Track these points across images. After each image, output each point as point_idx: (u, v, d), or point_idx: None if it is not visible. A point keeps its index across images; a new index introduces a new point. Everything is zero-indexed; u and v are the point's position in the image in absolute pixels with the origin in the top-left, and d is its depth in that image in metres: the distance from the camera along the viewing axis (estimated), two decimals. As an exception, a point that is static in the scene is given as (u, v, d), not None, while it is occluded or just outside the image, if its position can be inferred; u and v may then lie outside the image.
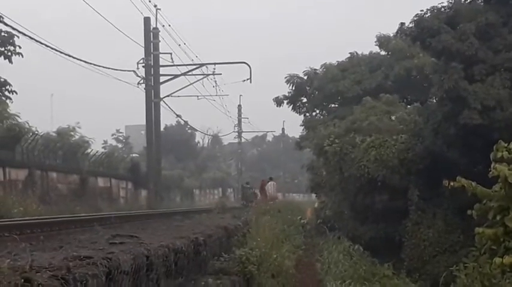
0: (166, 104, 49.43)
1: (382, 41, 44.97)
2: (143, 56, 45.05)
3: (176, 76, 48.18)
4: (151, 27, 45.74)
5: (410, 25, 27.53)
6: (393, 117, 33.89)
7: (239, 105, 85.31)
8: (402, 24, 28.22)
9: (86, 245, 7.66)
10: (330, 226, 35.37)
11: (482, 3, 28.25)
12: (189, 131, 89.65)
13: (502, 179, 12.41)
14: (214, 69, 49.19)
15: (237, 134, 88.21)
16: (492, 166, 12.81)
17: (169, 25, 48.66)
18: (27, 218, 19.07)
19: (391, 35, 41.87)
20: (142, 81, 44.56)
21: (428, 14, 27.31)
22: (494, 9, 26.72)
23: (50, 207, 27.45)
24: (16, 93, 38.37)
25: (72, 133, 42.90)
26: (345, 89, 43.44)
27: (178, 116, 58.89)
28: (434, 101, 30.27)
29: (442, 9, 27.59)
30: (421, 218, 28.42)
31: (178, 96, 50.24)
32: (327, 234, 33.71)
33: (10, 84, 38.28)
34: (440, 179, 15.26)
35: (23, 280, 4.57)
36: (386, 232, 29.99)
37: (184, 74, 48.44)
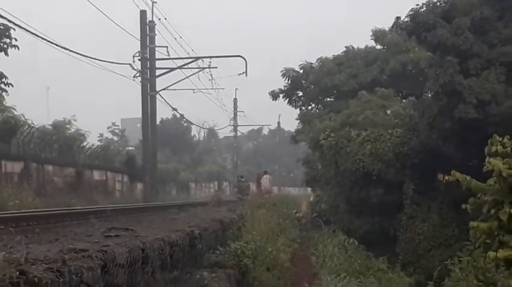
0: (162, 98, 49.47)
1: (377, 35, 44.97)
2: (139, 49, 44.99)
3: (172, 69, 48.13)
4: (148, 21, 45.69)
5: (406, 19, 27.56)
6: (388, 112, 33.95)
7: (235, 99, 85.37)
8: (398, 18, 28.27)
9: (81, 238, 7.68)
10: (325, 220, 35.42)
11: (477, -2, 28.29)
12: (185, 124, 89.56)
13: (497, 173, 12.45)
14: (210, 62, 49.13)
15: (232, 127, 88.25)
16: (487, 160, 12.84)
17: (166, 18, 48.55)
18: (22, 210, 19.08)
19: (387, 29, 41.90)
20: (138, 75, 44.47)
21: (424, 9, 27.36)
22: (489, 4, 26.76)
23: (45, 200, 27.47)
24: (12, 85, 38.30)
25: (68, 126, 42.91)
26: (340, 83, 43.46)
27: (174, 109, 58.94)
28: (430, 95, 30.29)
29: (438, 3, 27.64)
30: (416, 212, 28.50)
31: (174, 89, 50.26)
32: (322, 227, 33.78)
33: (6, 77, 38.21)
34: (435, 173, 15.31)
35: (18, 273, 4.58)
36: (382, 226, 30.09)
37: (180, 67, 48.40)
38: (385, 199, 29.56)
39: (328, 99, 47.05)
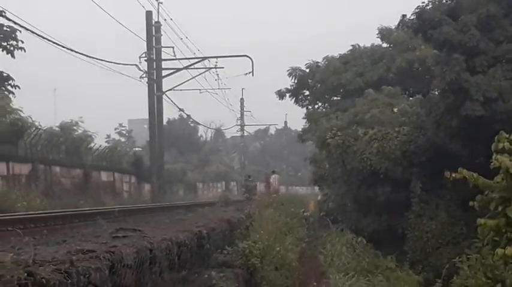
0: (169, 98, 49.55)
1: (383, 33, 44.92)
2: (145, 50, 45.05)
3: (178, 70, 48.18)
4: (153, 21, 45.75)
5: (412, 17, 27.51)
6: (395, 110, 33.88)
7: (241, 99, 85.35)
8: (404, 16, 28.22)
9: (89, 239, 7.71)
10: (333, 219, 35.39)
11: (483, -5, 28.22)
12: (192, 124, 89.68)
13: (504, 170, 12.40)
14: (216, 62, 49.23)
15: (239, 127, 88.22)
16: (494, 157, 12.80)
17: (171, 19, 48.76)
18: (30, 212, 19.14)
19: (393, 27, 41.82)
20: (144, 75, 44.56)
21: (430, 6, 27.30)
22: (495, 1, 26.67)
23: (53, 201, 27.54)
24: (19, 87, 38.49)
25: (75, 128, 42.94)
26: (347, 82, 43.43)
27: (180, 109, 58.98)
28: (437, 93, 30.25)
29: (444, 0, 27.59)
30: (424, 210, 28.45)
31: (181, 90, 50.33)
32: (330, 226, 33.76)
33: (13, 79, 38.38)
34: (442, 171, 15.24)
35: (26, 274, 4.61)
36: (389, 224, 30.02)
37: (187, 67, 48.46)
38: (392, 197, 29.48)
39: (335, 98, 47.02)
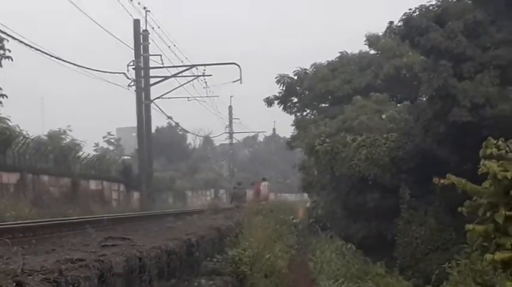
0: (157, 106, 49.49)
1: (371, 40, 45.04)
2: (133, 58, 44.97)
3: (166, 78, 48.06)
4: (141, 30, 45.69)
5: (399, 24, 27.63)
6: (383, 116, 33.98)
7: (230, 107, 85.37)
8: (391, 23, 28.36)
9: (78, 247, 7.69)
10: (322, 225, 35.43)
11: (470, 1, 28.37)
12: (181, 132, 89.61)
13: (492, 176, 12.44)
14: (204, 70, 49.17)
15: (228, 135, 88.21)
16: (482, 162, 12.84)
17: (159, 27, 48.51)
18: (19, 221, 19.02)
19: (381, 34, 41.95)
20: (132, 84, 44.48)
21: (417, 13, 27.42)
22: (482, 7, 26.82)
23: (42, 210, 27.38)
24: (6, 97, 38.23)
25: (63, 136, 42.80)
26: (335, 89, 43.49)
27: (169, 117, 58.95)
28: (424, 99, 30.36)
29: (430, 7, 27.70)
30: (413, 216, 28.52)
31: (169, 98, 50.17)
32: (319, 233, 33.81)
33: (0, 88, 38.16)
34: (430, 177, 15.26)
35: (15, 284, 4.59)
36: (379, 231, 30.06)
37: (175, 75, 48.38)
38: (381, 204, 29.54)
39: (323, 105, 47.05)
